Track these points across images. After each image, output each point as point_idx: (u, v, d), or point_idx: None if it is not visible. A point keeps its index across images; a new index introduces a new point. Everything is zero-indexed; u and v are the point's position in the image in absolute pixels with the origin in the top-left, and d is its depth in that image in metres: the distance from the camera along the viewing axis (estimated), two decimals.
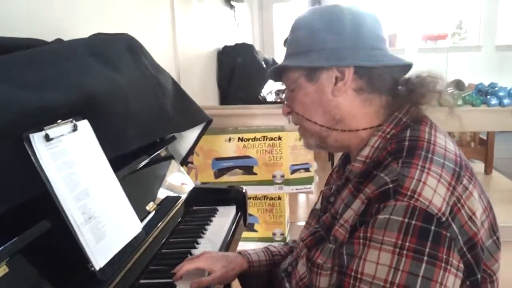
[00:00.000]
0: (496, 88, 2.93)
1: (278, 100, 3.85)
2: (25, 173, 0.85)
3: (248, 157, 2.78)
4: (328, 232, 0.89)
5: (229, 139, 2.77)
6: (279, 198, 2.88)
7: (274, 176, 2.80)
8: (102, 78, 1.14)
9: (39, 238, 0.85)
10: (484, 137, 4.50)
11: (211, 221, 1.50)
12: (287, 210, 2.92)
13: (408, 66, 0.95)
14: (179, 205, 1.46)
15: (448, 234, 0.74)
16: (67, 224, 0.88)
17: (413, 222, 0.73)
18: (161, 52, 2.57)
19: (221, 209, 1.61)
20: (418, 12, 7.12)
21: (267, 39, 5.69)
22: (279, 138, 2.75)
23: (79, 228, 0.89)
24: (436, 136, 0.86)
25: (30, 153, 0.85)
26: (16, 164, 0.84)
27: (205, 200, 1.65)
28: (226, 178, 2.77)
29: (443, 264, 0.73)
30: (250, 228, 2.91)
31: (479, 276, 0.79)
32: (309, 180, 2.82)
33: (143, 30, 2.30)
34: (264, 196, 2.87)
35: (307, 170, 2.81)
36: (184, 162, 1.75)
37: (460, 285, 0.77)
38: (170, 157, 1.61)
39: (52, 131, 0.92)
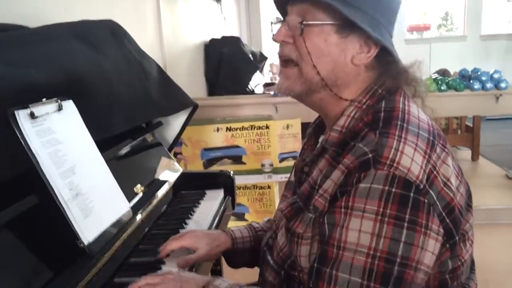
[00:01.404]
0: (479, 73, 2.98)
1: (267, 92, 3.87)
2: (10, 149, 0.86)
3: (236, 146, 2.80)
4: (307, 202, 0.90)
5: (217, 129, 2.78)
6: (269, 187, 2.90)
7: (263, 165, 2.83)
8: (86, 60, 1.15)
9: (26, 212, 0.86)
10: (471, 124, 4.57)
11: (199, 203, 1.52)
12: (277, 198, 2.95)
13: None
14: (167, 189, 1.47)
15: (426, 200, 0.76)
16: (54, 200, 0.89)
17: (393, 190, 0.75)
18: (146, 44, 2.57)
19: (209, 193, 1.63)
20: (404, 4, 7.18)
21: (254, 32, 5.70)
22: (267, 127, 2.77)
23: (67, 204, 0.90)
24: (409, 106, 0.88)
25: (15, 129, 0.86)
26: (3, 141, 0.85)
27: (194, 185, 1.67)
28: (215, 168, 2.78)
29: (423, 229, 0.75)
30: (241, 217, 2.93)
31: (457, 238, 0.82)
32: None
33: (128, 21, 2.30)
34: (254, 186, 2.89)
35: (295, 158, 2.83)
36: (172, 148, 1.77)
37: (440, 248, 0.80)
38: (158, 143, 1.62)
39: (37, 110, 0.93)
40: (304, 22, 0.87)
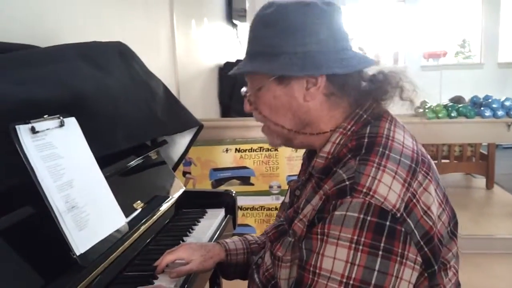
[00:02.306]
0: (490, 100, 2.97)
1: None
2: (10, 163, 0.91)
3: (245, 167, 2.83)
4: (289, 225, 0.91)
5: (226, 150, 2.82)
6: (276, 209, 2.91)
7: (271, 187, 2.85)
8: (90, 80, 1.21)
9: (22, 222, 0.90)
10: (485, 152, 4.52)
11: (199, 221, 1.54)
12: None
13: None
14: (168, 206, 1.50)
15: (403, 229, 0.76)
16: (49, 211, 0.92)
17: (368, 218, 0.76)
18: (160, 66, 2.65)
19: (210, 211, 1.65)
20: (420, 30, 7.21)
21: None
22: (276, 149, 2.80)
23: (61, 216, 0.94)
24: (395, 131, 0.88)
25: (15, 143, 0.91)
26: (1, 154, 0.90)
27: (196, 203, 1.70)
28: (223, 188, 2.81)
29: (398, 258, 0.76)
30: None
31: (436, 267, 0.82)
32: None
33: (142, 43, 2.38)
34: (261, 207, 2.91)
35: None
36: (177, 167, 1.81)
37: (418, 277, 0.79)
38: (162, 162, 1.66)
39: (38, 125, 0.97)
40: (249, 94, 0.96)
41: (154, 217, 1.37)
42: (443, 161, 4.45)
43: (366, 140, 0.86)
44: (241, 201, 2.81)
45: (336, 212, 0.78)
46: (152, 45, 2.61)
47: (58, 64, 1.15)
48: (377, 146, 0.84)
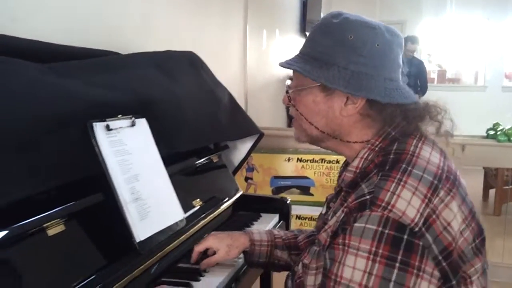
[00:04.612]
0: None
1: None
2: (84, 154, 1.04)
3: (305, 177, 2.88)
4: (318, 235, 0.98)
5: (288, 159, 2.89)
6: None
7: None
8: (159, 86, 1.33)
9: (92, 207, 1.02)
10: None
11: (252, 224, 1.62)
12: None
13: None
14: (225, 207, 1.60)
15: (421, 243, 0.80)
16: (116, 200, 1.04)
17: (386, 231, 0.80)
18: (231, 75, 2.78)
19: (264, 216, 1.73)
20: (504, 50, 6.87)
21: None
22: (337, 162, 2.82)
23: (126, 205, 1.06)
24: (421, 148, 0.91)
25: (92, 138, 1.04)
26: (79, 146, 1.03)
27: (252, 207, 1.78)
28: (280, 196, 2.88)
29: (415, 271, 0.79)
30: None
31: (454, 282, 0.84)
32: None
33: (215, 53, 2.52)
34: None
35: None
36: (236, 171, 1.90)
37: None
38: (222, 165, 1.76)
39: (113, 123, 1.10)
40: (291, 91, 1.01)
41: (211, 215, 1.47)
42: None
43: (391, 156, 0.90)
44: (299, 210, 2.87)
45: (356, 224, 0.83)
46: (224, 55, 2.75)
47: (132, 71, 1.29)
48: (401, 163, 0.87)
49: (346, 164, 1.06)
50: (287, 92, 1.03)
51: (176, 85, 1.40)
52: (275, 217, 1.72)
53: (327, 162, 2.85)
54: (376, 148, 0.95)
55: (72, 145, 1.01)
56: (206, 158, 1.62)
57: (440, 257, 0.81)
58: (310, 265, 0.95)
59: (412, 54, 5.13)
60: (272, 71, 3.70)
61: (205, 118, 1.55)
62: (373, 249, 0.80)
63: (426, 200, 0.83)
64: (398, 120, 0.94)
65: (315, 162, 2.87)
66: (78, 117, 1.02)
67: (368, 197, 0.84)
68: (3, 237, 0.82)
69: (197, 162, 1.55)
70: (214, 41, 2.53)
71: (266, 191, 2.90)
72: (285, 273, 1.35)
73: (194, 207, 1.41)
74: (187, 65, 1.56)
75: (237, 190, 1.75)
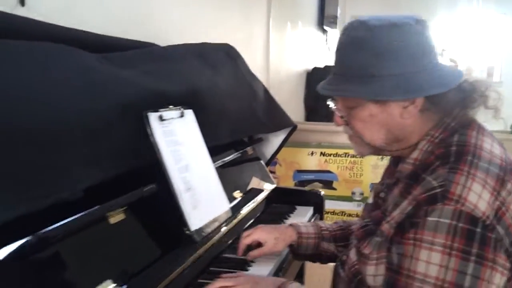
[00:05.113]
0: None
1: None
2: (141, 144, 1.04)
3: (328, 171, 2.88)
4: (377, 226, 0.97)
5: (312, 153, 2.89)
6: (357, 215, 2.92)
7: (353, 193, 2.87)
8: (203, 77, 1.34)
9: (149, 196, 1.03)
10: None
11: (289, 216, 1.63)
12: None
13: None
14: (262, 198, 1.60)
15: (493, 236, 0.80)
16: (170, 189, 1.05)
17: (460, 224, 0.80)
18: (255, 68, 2.77)
19: (299, 208, 1.73)
20: None
21: None
22: (361, 156, 2.82)
23: (181, 194, 1.07)
24: (483, 140, 0.90)
25: (147, 128, 1.04)
26: (136, 135, 1.04)
27: (284, 200, 1.78)
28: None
29: (489, 263, 0.79)
30: None
31: None
32: None
33: (239, 46, 2.51)
34: (342, 212, 2.93)
35: None
36: (269, 163, 1.91)
37: (505, 282, 0.82)
38: (257, 158, 1.77)
39: (165, 114, 1.11)
40: (341, 111, 0.97)
41: (250, 206, 1.47)
42: None
43: (454, 148, 0.89)
44: None
45: (429, 218, 0.82)
46: (247, 48, 2.74)
47: (179, 62, 1.29)
48: (466, 155, 0.86)
49: (397, 156, 1.05)
50: (334, 112, 1.00)
51: (219, 77, 1.41)
52: (310, 210, 1.73)
53: (350, 157, 2.85)
54: (436, 140, 0.93)
55: (130, 135, 1.01)
56: (242, 150, 1.62)
57: (510, 249, 0.81)
58: (370, 256, 0.94)
59: None
60: (293, 65, 3.69)
61: (244, 110, 1.56)
62: (448, 242, 0.80)
63: (495, 193, 0.83)
64: (456, 108, 0.94)
65: (338, 156, 2.86)
66: (136, 106, 1.03)
67: (438, 190, 0.83)
68: (73, 221, 0.83)
69: (234, 154, 1.55)
70: (238, 34, 2.53)
71: (288, 184, 2.90)
72: (314, 264, 1.36)
73: (235, 198, 1.42)
74: (225, 56, 1.57)
75: (271, 183, 1.75)
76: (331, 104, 1.01)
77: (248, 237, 1.23)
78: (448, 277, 0.79)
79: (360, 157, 2.82)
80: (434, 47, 0.94)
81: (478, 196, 0.81)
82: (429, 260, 0.81)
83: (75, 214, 0.84)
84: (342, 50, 0.96)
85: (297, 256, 1.29)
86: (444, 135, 0.93)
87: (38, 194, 0.73)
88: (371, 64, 0.90)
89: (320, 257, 1.27)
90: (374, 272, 0.93)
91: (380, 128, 0.95)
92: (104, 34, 1.26)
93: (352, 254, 1.04)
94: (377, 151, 1.02)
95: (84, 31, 1.17)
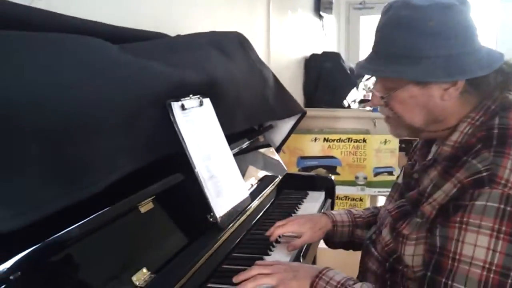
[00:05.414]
0: None
1: (362, 107, 3.94)
2: (166, 133, 1.05)
3: (332, 157, 2.90)
4: (414, 207, 0.97)
5: (315, 139, 2.91)
6: (361, 200, 2.96)
7: (357, 177, 2.90)
8: (220, 65, 1.34)
9: (176, 185, 1.04)
10: None
11: (302, 202, 1.65)
12: None
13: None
14: (275, 185, 1.62)
15: None
16: (196, 178, 1.06)
17: (508, 208, 0.81)
18: None
19: (311, 194, 1.75)
20: None
21: (352, 49, 5.78)
22: (364, 141, 2.85)
23: (205, 182, 1.08)
24: None
25: (171, 117, 1.05)
26: (160, 125, 1.05)
27: (296, 185, 1.80)
28: None
29: None
30: None
31: None
32: (391, 184, 2.88)
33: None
34: (346, 196, 2.97)
35: (390, 173, 2.87)
36: (278, 150, 1.92)
37: None
38: (268, 145, 1.79)
39: (186, 103, 1.12)
40: (380, 92, 0.97)
41: (266, 193, 1.49)
42: None
43: (496, 131, 0.90)
44: None
45: (477, 202, 0.83)
46: (249, 37, 2.74)
47: (197, 51, 1.29)
48: (510, 138, 0.88)
49: (430, 138, 1.06)
50: (372, 92, 1.00)
51: (232, 65, 1.41)
52: (322, 195, 1.75)
53: (354, 141, 2.87)
54: (477, 123, 0.94)
55: (156, 125, 1.02)
56: (254, 138, 1.64)
57: None
58: (410, 236, 0.95)
59: None
60: (292, 52, 3.69)
61: (257, 98, 1.57)
62: (496, 226, 0.81)
63: None
64: (496, 90, 0.95)
65: (341, 141, 2.89)
66: (160, 96, 1.03)
67: (485, 174, 0.84)
68: (109, 210, 0.84)
69: (247, 142, 1.57)
70: (239, 22, 2.52)
71: (292, 171, 2.92)
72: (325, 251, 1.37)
73: (251, 185, 1.44)
74: (237, 45, 1.57)
75: (283, 169, 1.77)
76: (368, 84, 1.02)
77: (281, 229, 1.23)
78: (496, 260, 0.81)
79: (363, 142, 2.85)
80: (476, 29, 0.94)
81: None
82: (476, 243, 0.82)
83: (105, 207, 0.85)
84: (384, 29, 0.96)
85: (331, 244, 1.30)
86: (485, 118, 0.94)
87: (88, 183, 0.75)
88: (416, 44, 0.90)
89: (354, 244, 1.29)
90: (413, 252, 0.95)
91: (421, 110, 0.96)
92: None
93: (385, 233, 1.04)
94: (414, 132, 1.02)
95: (102, 23, 1.17)
